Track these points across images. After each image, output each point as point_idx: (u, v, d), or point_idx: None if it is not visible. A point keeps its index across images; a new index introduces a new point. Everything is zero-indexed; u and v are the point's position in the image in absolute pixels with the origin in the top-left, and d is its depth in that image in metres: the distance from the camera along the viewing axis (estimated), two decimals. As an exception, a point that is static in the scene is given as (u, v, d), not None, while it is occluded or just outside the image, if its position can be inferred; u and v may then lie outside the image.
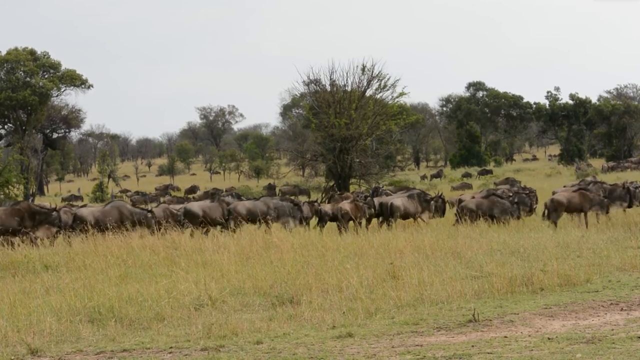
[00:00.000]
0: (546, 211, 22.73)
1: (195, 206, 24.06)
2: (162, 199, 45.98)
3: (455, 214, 23.85)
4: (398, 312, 11.23)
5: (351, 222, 23.99)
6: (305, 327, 10.51)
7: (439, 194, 26.57)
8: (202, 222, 23.23)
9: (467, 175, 72.79)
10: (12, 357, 9.53)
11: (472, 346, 9.13)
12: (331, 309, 11.41)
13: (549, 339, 9.30)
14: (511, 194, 25.31)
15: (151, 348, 9.70)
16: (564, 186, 31.20)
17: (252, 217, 23.31)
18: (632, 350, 8.59)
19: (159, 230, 21.24)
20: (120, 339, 10.26)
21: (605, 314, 10.80)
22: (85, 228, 21.18)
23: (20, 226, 20.98)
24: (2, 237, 20.48)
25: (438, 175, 75.18)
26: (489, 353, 8.78)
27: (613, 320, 10.31)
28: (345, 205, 24.40)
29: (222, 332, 10.20)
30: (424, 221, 24.48)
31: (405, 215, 24.71)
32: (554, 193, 28.24)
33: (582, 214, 22.94)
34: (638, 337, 9.17)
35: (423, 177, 73.82)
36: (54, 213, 21.84)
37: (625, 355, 8.38)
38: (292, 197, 30.63)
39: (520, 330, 9.91)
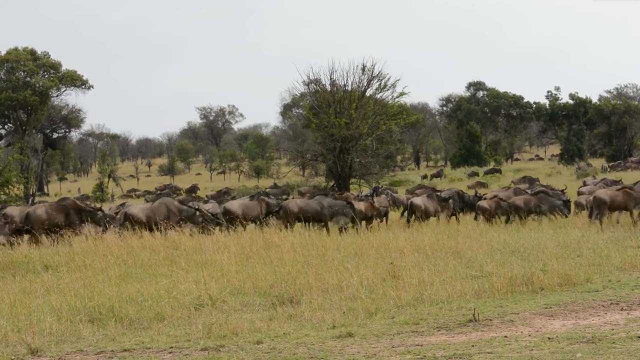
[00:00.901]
0: (590, 210, 22.74)
1: (235, 205, 24.08)
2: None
3: (506, 213, 24.00)
4: (398, 311, 11.23)
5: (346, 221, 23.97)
6: (306, 326, 10.51)
7: (477, 194, 26.82)
8: (241, 220, 23.32)
9: (474, 174, 72.56)
10: (13, 357, 9.53)
11: (473, 346, 9.13)
12: (331, 309, 11.41)
13: (549, 338, 9.30)
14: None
15: (151, 348, 9.70)
16: (584, 184, 30.98)
17: (304, 215, 23.32)
18: (632, 349, 8.59)
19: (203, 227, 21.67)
20: (120, 338, 10.26)
21: (606, 313, 10.80)
22: (135, 225, 21.52)
23: (67, 222, 21.50)
24: (49, 232, 20.98)
25: (438, 174, 75.07)
26: (489, 353, 8.78)
27: (613, 320, 10.31)
28: (360, 204, 24.49)
29: (223, 332, 10.20)
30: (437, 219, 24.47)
31: (426, 214, 24.69)
32: (579, 193, 28.26)
33: (620, 212, 22.84)
34: (638, 337, 9.17)
35: (424, 177, 73.70)
36: (99, 212, 22.45)
37: (625, 355, 8.38)
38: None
39: (521, 330, 9.91)
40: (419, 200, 25.07)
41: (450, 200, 25.48)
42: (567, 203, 24.20)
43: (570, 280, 12.96)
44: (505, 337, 9.55)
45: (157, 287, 13.04)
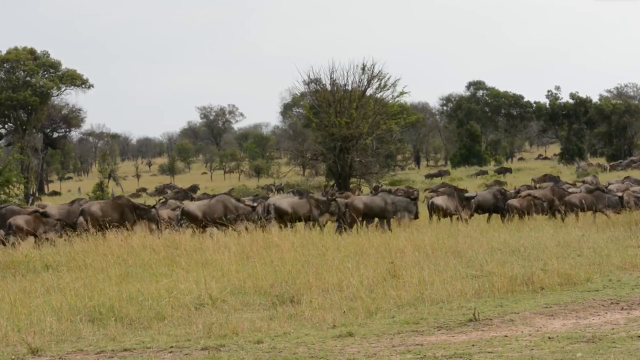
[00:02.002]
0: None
1: (285, 203, 24.10)
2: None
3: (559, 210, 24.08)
4: (398, 311, 11.23)
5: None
6: (306, 326, 10.51)
7: (518, 191, 26.86)
8: (291, 218, 23.36)
9: (483, 173, 72.45)
10: (13, 357, 9.53)
11: (473, 345, 9.13)
12: (331, 308, 11.40)
13: (549, 338, 9.30)
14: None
15: (152, 347, 9.70)
16: (609, 183, 30.82)
17: (370, 212, 23.25)
18: (632, 349, 8.58)
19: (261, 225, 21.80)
20: (120, 338, 10.26)
21: (606, 313, 10.79)
22: (193, 222, 21.67)
23: (122, 220, 21.80)
24: (100, 229, 21.17)
25: (440, 174, 74.87)
26: (489, 352, 8.78)
27: (613, 320, 10.30)
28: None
29: (223, 332, 10.20)
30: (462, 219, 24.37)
31: (446, 214, 24.66)
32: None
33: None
34: (638, 336, 9.17)
35: (428, 176, 73.53)
36: (153, 210, 22.72)
37: (625, 355, 8.37)
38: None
39: (521, 330, 9.91)
40: (439, 200, 24.83)
41: (473, 200, 25.37)
42: (622, 199, 24.27)
43: (571, 279, 12.95)
44: (506, 336, 9.54)
45: (158, 286, 13.04)
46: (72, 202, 24.93)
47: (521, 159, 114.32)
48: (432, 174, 76.26)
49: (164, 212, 23.89)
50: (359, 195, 29.02)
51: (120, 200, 23.24)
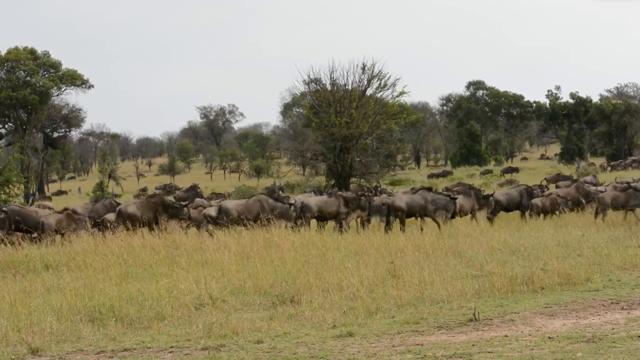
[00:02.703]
0: None
1: (312, 201, 24.12)
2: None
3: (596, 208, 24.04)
4: (399, 311, 11.23)
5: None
6: (306, 326, 10.51)
7: (543, 189, 26.90)
8: (318, 216, 23.44)
9: (488, 172, 72.37)
10: (13, 357, 9.53)
11: (473, 345, 9.13)
12: (332, 308, 11.40)
13: (549, 338, 9.30)
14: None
15: (152, 347, 9.70)
16: (634, 180, 30.73)
17: (411, 211, 23.26)
18: (632, 349, 8.58)
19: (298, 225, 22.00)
20: (120, 338, 10.26)
21: (606, 313, 10.79)
22: (229, 221, 21.77)
23: (156, 218, 22.16)
24: (140, 227, 21.61)
25: (443, 174, 74.61)
26: (489, 352, 8.77)
27: (614, 319, 10.30)
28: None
29: (223, 332, 10.20)
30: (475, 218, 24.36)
31: (462, 213, 24.62)
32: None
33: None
34: (638, 336, 9.17)
35: (430, 176, 73.44)
36: (185, 208, 23.04)
37: (625, 354, 8.37)
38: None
39: (521, 329, 9.90)
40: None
41: (491, 198, 25.31)
42: None
43: (571, 279, 12.95)
44: (506, 336, 9.54)
45: (158, 286, 13.04)
46: (96, 201, 25.61)
47: (524, 158, 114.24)
48: (435, 173, 76.08)
49: (194, 212, 24.16)
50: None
51: (154, 198, 23.51)
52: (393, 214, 22.87)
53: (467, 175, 70.56)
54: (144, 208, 22.29)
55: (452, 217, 23.34)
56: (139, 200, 23.99)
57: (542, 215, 24.24)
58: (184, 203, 23.98)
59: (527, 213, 25.03)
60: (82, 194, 72.24)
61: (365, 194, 25.04)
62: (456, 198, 23.76)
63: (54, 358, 9.46)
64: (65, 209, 23.26)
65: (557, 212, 24.19)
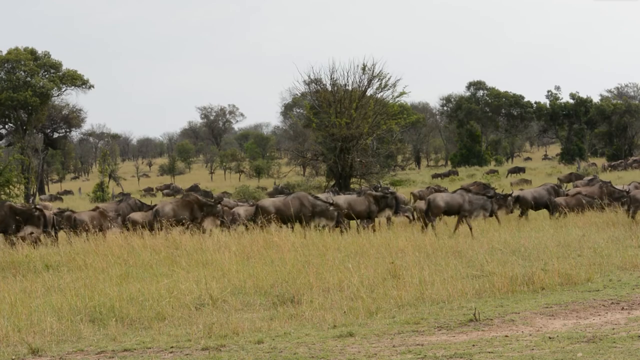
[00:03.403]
0: None
1: (342, 200, 24.12)
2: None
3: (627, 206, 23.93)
4: (399, 311, 11.23)
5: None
6: (306, 326, 10.51)
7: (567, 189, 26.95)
8: (347, 215, 23.45)
9: (493, 172, 72.31)
10: (13, 357, 9.54)
11: (473, 345, 9.13)
12: (332, 308, 11.40)
13: (550, 338, 9.29)
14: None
15: (152, 347, 9.70)
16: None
17: (450, 210, 23.24)
18: (633, 349, 8.58)
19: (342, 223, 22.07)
20: (121, 338, 10.25)
21: (606, 313, 10.79)
22: (266, 219, 21.85)
23: (192, 217, 22.37)
24: (177, 226, 21.83)
25: (448, 174, 74.39)
26: (490, 352, 8.77)
27: (614, 320, 10.30)
28: (421, 204, 24.54)
29: (223, 332, 10.20)
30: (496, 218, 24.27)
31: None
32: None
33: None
34: (639, 336, 9.16)
35: (435, 176, 73.35)
36: (219, 205, 23.17)
37: (626, 355, 8.37)
38: None
39: (521, 330, 9.90)
40: None
41: (510, 198, 25.27)
42: None
43: (571, 279, 12.95)
44: (506, 336, 9.54)
45: (158, 286, 13.04)
46: (120, 201, 25.95)
47: (528, 158, 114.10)
48: (440, 174, 75.96)
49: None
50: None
51: (189, 197, 23.66)
52: (432, 212, 22.76)
53: (468, 176, 70.53)
54: (181, 207, 22.65)
55: (490, 215, 23.33)
56: (175, 199, 24.40)
57: (563, 215, 24.13)
58: (217, 200, 24.24)
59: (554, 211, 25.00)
60: (82, 194, 72.21)
61: (391, 191, 25.07)
62: (493, 197, 23.74)
63: (54, 358, 9.46)
64: (97, 207, 23.98)
65: (581, 211, 24.12)
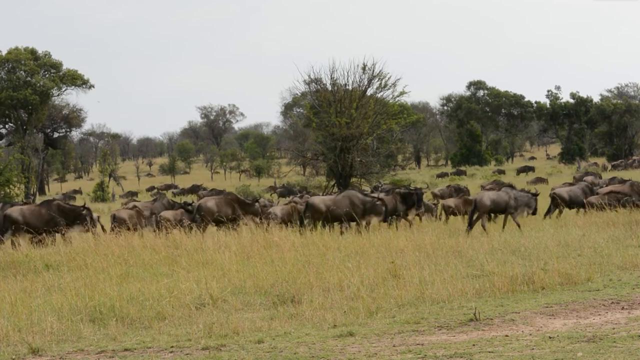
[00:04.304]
0: None
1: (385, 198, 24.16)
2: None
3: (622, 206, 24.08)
4: (399, 311, 11.22)
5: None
6: (307, 326, 10.51)
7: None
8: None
9: (500, 172, 72.20)
10: (13, 357, 9.53)
11: (473, 345, 9.13)
12: (332, 308, 11.40)
13: (550, 337, 9.29)
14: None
15: (152, 347, 9.69)
16: None
17: (496, 208, 23.22)
18: (633, 349, 8.58)
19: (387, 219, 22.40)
20: (121, 338, 10.25)
21: (607, 312, 10.78)
22: (317, 216, 22.08)
23: (233, 214, 23.01)
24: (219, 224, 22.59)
25: (457, 173, 74.15)
26: (490, 352, 8.77)
27: (614, 319, 10.29)
28: (450, 201, 24.52)
29: (223, 331, 10.20)
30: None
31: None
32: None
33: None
34: (639, 336, 9.16)
35: (440, 175, 73.24)
36: (256, 204, 23.99)
37: (626, 354, 8.37)
38: None
39: (522, 329, 9.90)
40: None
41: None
42: None
43: (571, 279, 12.94)
44: (506, 336, 9.54)
45: (158, 286, 13.04)
46: (155, 200, 26.74)
47: (532, 157, 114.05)
48: (445, 172, 75.79)
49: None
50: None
51: (230, 195, 24.58)
52: (478, 211, 22.69)
53: (468, 176, 70.57)
54: (223, 204, 23.32)
55: (534, 213, 23.34)
56: (217, 196, 25.12)
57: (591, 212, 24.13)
58: (255, 199, 25.17)
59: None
60: (82, 194, 72.20)
61: (420, 189, 25.15)
62: (538, 194, 23.74)
63: (54, 358, 9.46)
64: (135, 206, 24.86)
65: (615, 209, 24.08)
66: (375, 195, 23.39)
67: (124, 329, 10.79)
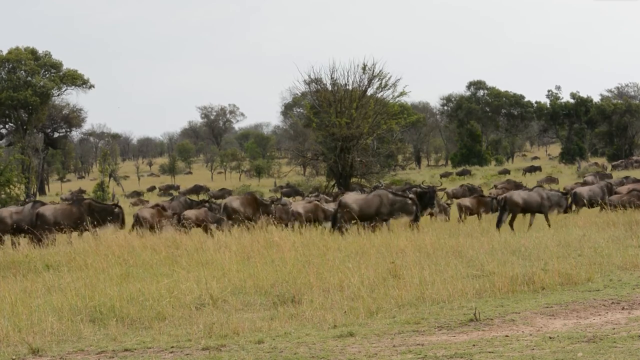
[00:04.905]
0: None
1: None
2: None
3: None
4: (399, 311, 11.22)
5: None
6: (307, 326, 10.50)
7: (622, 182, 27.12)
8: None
9: (506, 172, 72.15)
10: (14, 357, 9.53)
11: (474, 345, 9.12)
12: (332, 308, 11.40)
13: (550, 338, 9.29)
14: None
15: (152, 347, 9.69)
16: None
17: (528, 207, 23.24)
18: (633, 349, 8.57)
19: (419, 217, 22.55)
20: (121, 338, 10.25)
21: (607, 313, 10.78)
22: (349, 216, 22.21)
23: (253, 214, 23.66)
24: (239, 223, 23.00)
25: (463, 173, 74.02)
26: (490, 352, 8.77)
27: (614, 319, 10.29)
28: (465, 200, 24.51)
29: (224, 332, 10.19)
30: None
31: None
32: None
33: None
34: (639, 336, 9.16)
35: (444, 175, 73.22)
36: (272, 205, 24.58)
37: (626, 355, 8.36)
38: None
39: (522, 329, 9.90)
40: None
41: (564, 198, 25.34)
42: None
43: (572, 279, 12.94)
44: (507, 336, 9.54)
45: (158, 286, 13.04)
46: (172, 199, 27.51)
47: (535, 157, 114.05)
48: (449, 172, 75.73)
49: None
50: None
51: (251, 195, 25.22)
52: (509, 210, 22.63)
53: (470, 175, 70.57)
54: (245, 204, 24.02)
55: (565, 212, 23.34)
56: (240, 196, 26.01)
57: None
58: (272, 200, 25.71)
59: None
60: (84, 194, 72.11)
61: (434, 187, 25.20)
62: (567, 193, 23.76)
63: (54, 358, 9.46)
64: (157, 205, 25.41)
65: (637, 208, 24.07)
66: (407, 195, 23.39)
67: (124, 329, 10.79)
